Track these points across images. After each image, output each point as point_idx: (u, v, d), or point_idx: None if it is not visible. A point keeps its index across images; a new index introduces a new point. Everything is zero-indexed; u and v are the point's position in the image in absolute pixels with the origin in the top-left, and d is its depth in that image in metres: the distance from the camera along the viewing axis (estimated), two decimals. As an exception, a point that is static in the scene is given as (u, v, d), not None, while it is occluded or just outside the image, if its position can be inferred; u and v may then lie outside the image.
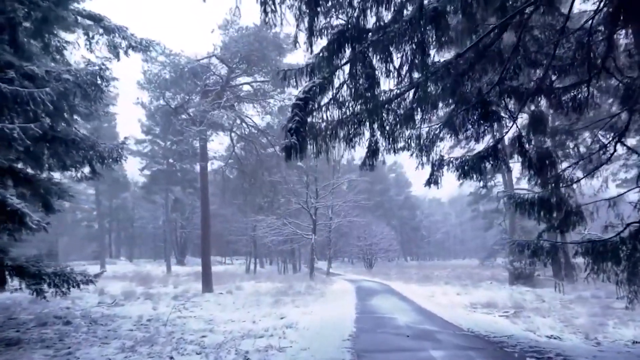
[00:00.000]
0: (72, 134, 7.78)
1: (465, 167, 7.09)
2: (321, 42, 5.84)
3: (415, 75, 6.31)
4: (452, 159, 7.21)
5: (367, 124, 6.59)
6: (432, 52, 6.37)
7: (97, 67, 7.37)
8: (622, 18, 5.99)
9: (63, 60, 9.98)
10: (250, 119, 19.24)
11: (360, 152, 7.05)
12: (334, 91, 6.02)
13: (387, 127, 6.70)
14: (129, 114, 47.77)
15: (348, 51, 5.78)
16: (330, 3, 5.74)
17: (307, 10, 5.55)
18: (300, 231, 28.82)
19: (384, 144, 6.85)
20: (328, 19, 5.79)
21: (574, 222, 6.71)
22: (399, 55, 6.02)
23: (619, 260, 6.13)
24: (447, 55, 6.90)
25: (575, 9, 6.45)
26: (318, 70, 5.80)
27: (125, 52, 10.46)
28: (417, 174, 74.98)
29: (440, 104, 7.08)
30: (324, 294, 16.91)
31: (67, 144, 7.56)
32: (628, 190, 7.09)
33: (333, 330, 8.43)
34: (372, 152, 6.92)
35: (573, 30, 6.53)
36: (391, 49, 5.84)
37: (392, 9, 5.88)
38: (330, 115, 6.22)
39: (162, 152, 38.24)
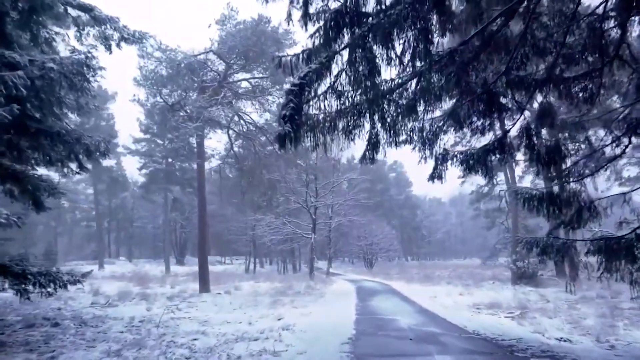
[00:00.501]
0: (56, 127, 7.43)
1: (470, 161, 6.79)
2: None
3: (418, 64, 5.97)
4: (456, 153, 6.89)
5: (367, 115, 6.23)
6: (436, 39, 6.05)
7: (82, 56, 6.99)
8: (636, 2, 5.64)
9: (53, 53, 9.64)
10: (248, 116, 18.90)
11: (360, 148, 6.70)
12: (332, 79, 5.68)
13: (389, 119, 6.34)
14: (128, 114, 47.52)
15: (347, 36, 5.44)
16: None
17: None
18: (300, 230, 28.48)
19: (385, 136, 6.49)
20: (325, 1, 5.45)
21: (587, 219, 6.34)
22: (401, 41, 5.68)
23: (634, 259, 5.80)
24: (451, 43, 6.58)
25: (587, -7, 6.13)
26: (315, 56, 5.46)
27: (118, 45, 10.10)
28: (417, 174, 74.61)
29: (444, 95, 6.74)
30: (323, 295, 16.60)
31: (52, 136, 7.19)
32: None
33: (332, 332, 8.07)
34: (373, 145, 6.55)
35: (584, 15, 6.18)
36: (393, 34, 5.49)
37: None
38: (328, 105, 5.88)
39: (160, 151, 38.00)
